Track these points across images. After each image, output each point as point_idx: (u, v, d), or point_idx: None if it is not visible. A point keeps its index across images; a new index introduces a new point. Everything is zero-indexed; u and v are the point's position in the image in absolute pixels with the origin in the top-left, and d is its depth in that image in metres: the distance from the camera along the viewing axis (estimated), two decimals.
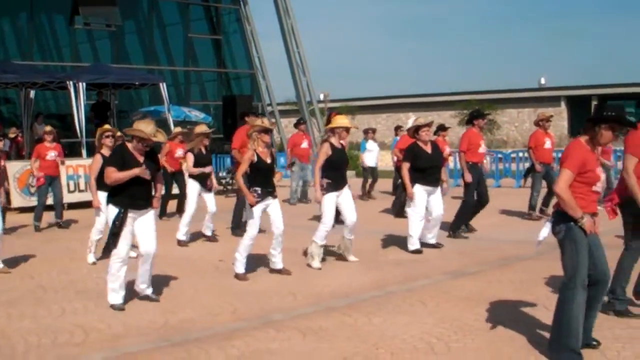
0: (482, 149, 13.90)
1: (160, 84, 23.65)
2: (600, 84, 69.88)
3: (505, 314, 7.94)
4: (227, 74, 36.18)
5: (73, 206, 17.80)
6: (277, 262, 10.47)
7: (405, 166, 11.99)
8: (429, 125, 12.17)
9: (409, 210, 12.27)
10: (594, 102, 70.00)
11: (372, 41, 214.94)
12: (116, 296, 8.68)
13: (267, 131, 10.25)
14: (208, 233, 13.64)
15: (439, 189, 12.21)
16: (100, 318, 8.13)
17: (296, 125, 20.98)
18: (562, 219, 6.47)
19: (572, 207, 6.35)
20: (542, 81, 72.32)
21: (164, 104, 23.64)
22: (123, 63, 29.93)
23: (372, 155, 21.27)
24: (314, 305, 8.58)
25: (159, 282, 9.83)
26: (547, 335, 6.90)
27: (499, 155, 27.80)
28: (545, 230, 6.65)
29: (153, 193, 9.14)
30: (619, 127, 6.65)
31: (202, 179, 13.24)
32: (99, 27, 29.60)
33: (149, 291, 9.01)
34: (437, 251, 12.07)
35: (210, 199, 13.40)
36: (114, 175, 8.59)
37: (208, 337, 7.33)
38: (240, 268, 10.17)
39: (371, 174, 21.16)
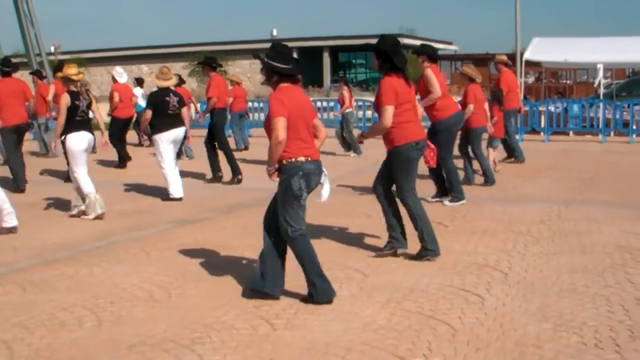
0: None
1: None
2: (331, 36, 72.36)
3: (230, 259, 8.22)
4: None
5: None
6: None
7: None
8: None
9: None
10: (325, 54, 72.55)
11: None
12: None
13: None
14: None
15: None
16: None
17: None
18: None
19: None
20: (274, 32, 73.85)
21: None
22: None
23: None
24: (36, 258, 8.48)
25: None
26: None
27: None
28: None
29: None
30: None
31: None
32: None
33: None
34: (164, 201, 12.22)
35: None
36: None
37: None
38: None
39: None
